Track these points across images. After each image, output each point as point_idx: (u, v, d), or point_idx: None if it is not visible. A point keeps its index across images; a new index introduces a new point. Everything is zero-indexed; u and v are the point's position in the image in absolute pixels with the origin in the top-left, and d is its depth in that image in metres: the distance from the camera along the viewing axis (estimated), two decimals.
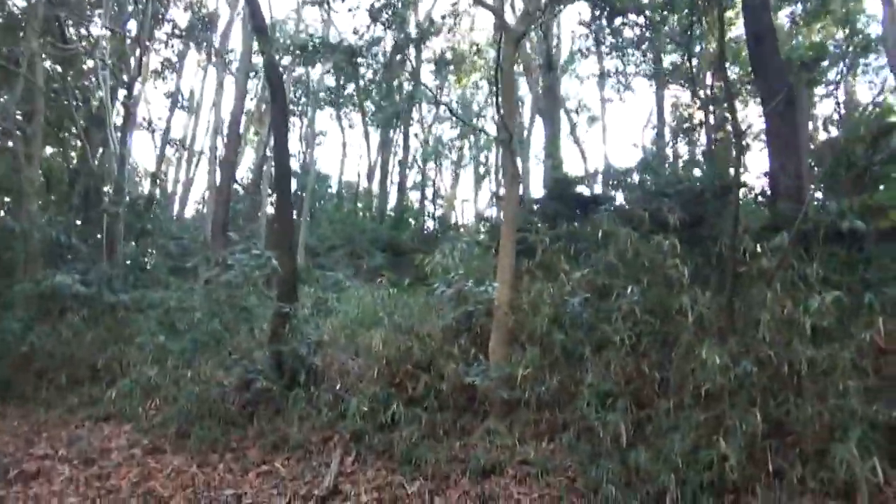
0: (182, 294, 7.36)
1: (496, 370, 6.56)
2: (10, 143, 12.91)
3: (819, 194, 9.11)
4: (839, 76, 14.97)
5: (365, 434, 6.43)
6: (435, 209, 23.34)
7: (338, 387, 7.00)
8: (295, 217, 15.86)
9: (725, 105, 10.55)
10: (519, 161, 7.86)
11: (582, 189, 9.47)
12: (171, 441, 7.13)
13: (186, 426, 7.20)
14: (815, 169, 10.02)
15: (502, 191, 10.57)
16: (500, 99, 7.93)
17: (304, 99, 24.29)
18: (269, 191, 20.58)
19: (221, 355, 7.63)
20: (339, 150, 35.27)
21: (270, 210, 19.59)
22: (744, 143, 9.25)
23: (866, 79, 17.49)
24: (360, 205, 23.69)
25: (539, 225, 7.81)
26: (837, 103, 14.68)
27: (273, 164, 21.42)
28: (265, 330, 7.94)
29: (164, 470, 6.52)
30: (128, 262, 11.38)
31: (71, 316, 9.41)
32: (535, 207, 8.81)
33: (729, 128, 13.85)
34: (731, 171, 8.47)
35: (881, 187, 8.02)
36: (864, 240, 7.39)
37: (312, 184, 19.80)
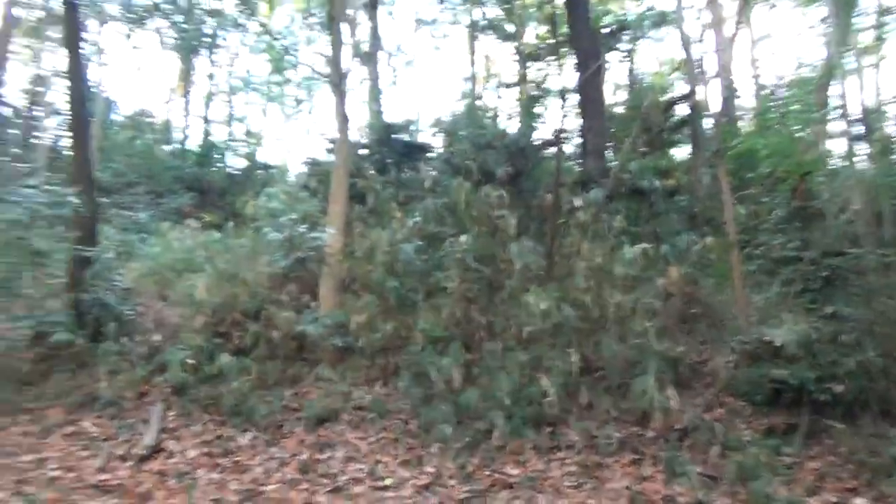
0: None
1: (328, 318, 6.50)
2: None
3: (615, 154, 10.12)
4: (633, 46, 16.48)
5: (188, 387, 6.06)
6: (246, 148, 21.92)
7: (154, 338, 6.46)
8: None
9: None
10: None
11: (407, 136, 9.49)
12: None
13: None
14: (613, 130, 11.08)
15: (331, 134, 10.28)
16: (330, 35, 7.62)
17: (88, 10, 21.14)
18: (46, 115, 17.87)
19: (9, 304, 6.62)
20: (131, 74, 31.56)
21: (49, 138, 17.07)
22: (564, 102, 10.01)
23: (655, 50, 19.52)
24: (157, 137, 21.49)
25: (370, 171, 7.75)
26: (630, 70, 16.23)
27: (52, 84, 18.62)
28: (61, 277, 7.02)
29: None
30: None
31: None
32: (363, 153, 8.70)
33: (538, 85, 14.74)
34: (552, 128, 9.12)
35: (669, 150, 9.13)
36: (654, 196, 8.38)
37: (102, 110, 17.51)
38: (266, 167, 19.75)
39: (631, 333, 5.87)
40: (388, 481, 5.04)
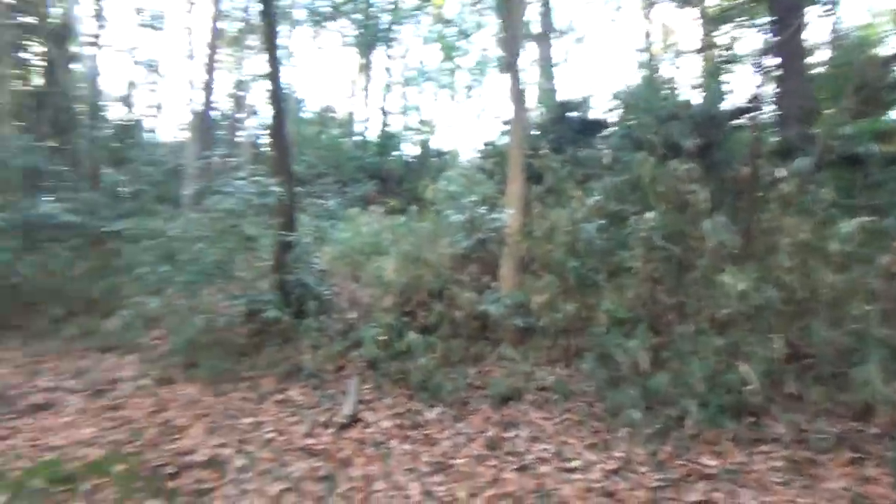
0: (184, 222, 7.10)
1: (509, 298, 6.53)
2: None
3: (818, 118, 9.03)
4: None
5: (380, 362, 6.43)
6: (421, 136, 22.80)
7: (349, 316, 6.93)
8: None
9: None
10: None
11: (582, 114, 9.23)
12: (181, 371, 7.06)
13: (194, 356, 7.12)
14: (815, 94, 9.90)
15: (507, 116, 10.32)
16: (504, 17, 7.58)
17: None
18: (247, 116, 19.89)
19: (226, 285, 7.47)
20: (316, 72, 34.11)
21: (250, 136, 19.00)
22: (762, 66, 9.08)
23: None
24: (341, 130, 23.05)
25: (545, 150, 7.64)
26: (834, 25, 14.42)
27: (250, 87, 20.63)
28: (267, 260, 7.76)
29: (178, 400, 6.48)
30: (112, 189, 10.96)
31: (59, 246, 9.10)
32: (538, 133, 8.59)
33: (727, 50, 13.60)
34: (747, 95, 8.35)
35: (890, 111, 7.97)
36: (871, 164, 7.37)
37: (293, 108, 19.15)
38: (439, 153, 20.38)
39: (846, 318, 5.23)
40: (575, 463, 4.97)
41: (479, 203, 6.83)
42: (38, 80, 17.21)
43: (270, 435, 5.84)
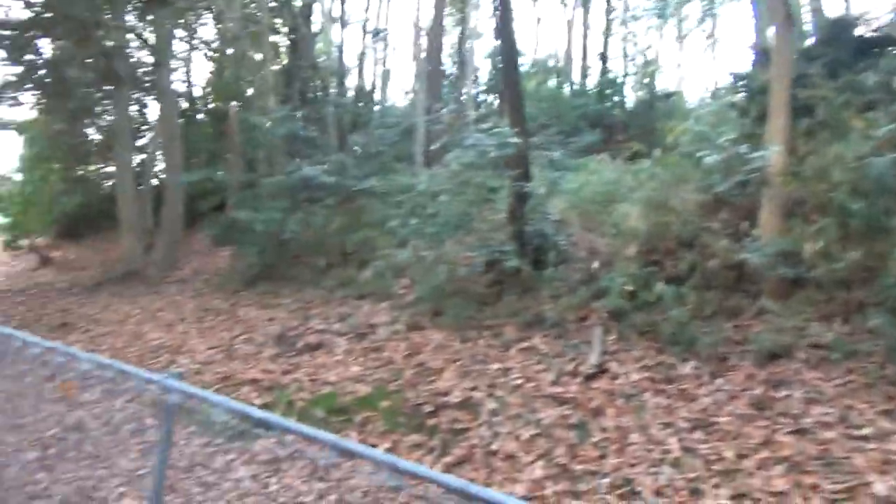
0: (429, 178, 7.46)
1: (771, 245, 5.85)
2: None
3: None
4: None
5: (625, 313, 6.19)
6: (644, 79, 21.48)
7: (594, 265, 6.76)
8: None
9: None
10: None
11: (861, 30, 7.82)
12: (428, 318, 7.49)
13: (439, 305, 7.50)
14: None
15: (762, 43, 9.20)
16: None
17: None
18: (471, 72, 20.23)
19: (466, 237, 7.73)
20: (531, 24, 33.68)
21: (474, 93, 19.35)
22: None
23: None
24: (560, 80, 22.57)
25: (816, 78, 6.64)
26: None
27: (473, 44, 20.91)
28: (503, 211, 7.85)
29: (429, 344, 6.89)
30: (356, 151, 11.90)
31: (317, 205, 10.13)
32: (804, 59, 7.47)
33: None
34: None
35: None
36: None
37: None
38: (667, 95, 19.08)
39: None
40: (866, 430, 4.36)
41: (736, 142, 6.17)
42: (285, 58, 19.23)
43: (518, 381, 5.96)
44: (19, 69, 16.29)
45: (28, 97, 17.87)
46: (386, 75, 26.13)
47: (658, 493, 4.28)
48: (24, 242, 19.61)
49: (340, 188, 9.86)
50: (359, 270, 9.19)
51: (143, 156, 19.30)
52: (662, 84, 21.97)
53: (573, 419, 5.32)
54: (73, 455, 5.87)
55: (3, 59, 15.64)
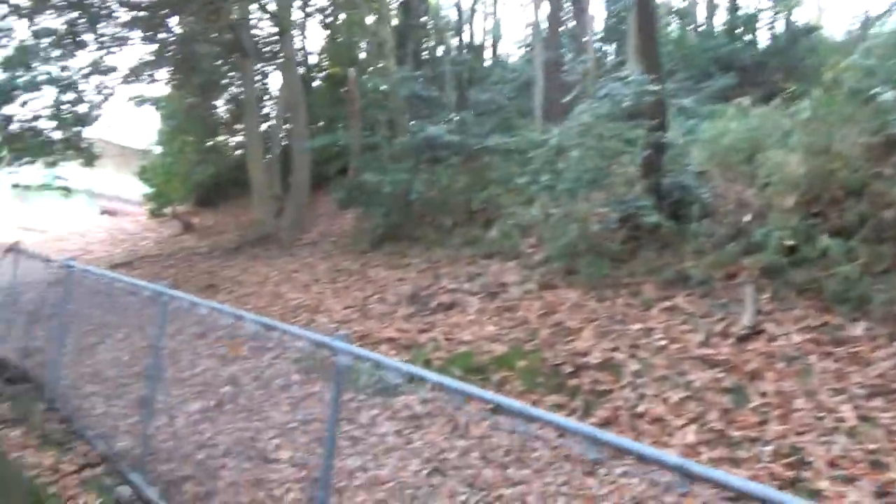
0: (562, 131, 7.17)
1: None
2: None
3: None
4: None
5: (782, 269, 5.72)
6: (781, 14, 19.58)
7: (745, 218, 6.28)
8: None
9: None
10: None
11: None
12: (560, 277, 7.31)
13: (571, 263, 7.29)
14: None
15: None
16: None
17: None
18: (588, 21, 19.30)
19: (597, 192, 7.43)
20: None
21: (593, 43, 18.46)
22: None
23: None
24: (682, 22, 21.07)
25: None
26: None
27: None
28: (639, 163, 7.44)
29: (563, 304, 6.73)
30: (476, 108, 11.72)
31: (440, 165, 10.10)
32: None
33: None
34: None
35: None
36: None
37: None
38: (808, 30, 17.29)
39: None
40: None
41: None
42: (398, 18, 19.19)
43: (662, 342, 5.69)
44: (154, 47, 17.40)
45: (163, 74, 19.10)
46: (497, 29, 25.58)
47: (832, 464, 3.95)
48: (167, 211, 21.21)
49: (463, 147, 9.75)
50: (484, 229, 9.12)
51: (269, 124, 20.10)
52: (806, 16, 19.96)
53: (726, 382, 5.01)
54: (230, 408, 6.29)
55: (140, 39, 16.74)
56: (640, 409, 5.06)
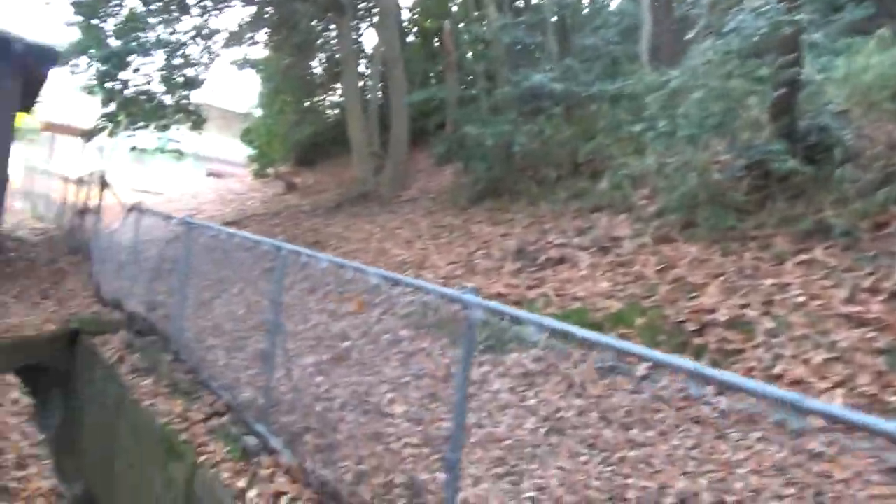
0: (685, 72, 6.61)
1: None
2: None
3: None
4: None
5: None
6: None
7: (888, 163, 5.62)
8: None
9: None
10: None
11: None
12: (677, 230, 6.88)
13: (690, 214, 6.82)
14: None
15: None
16: None
17: None
18: None
19: (721, 137, 6.86)
20: None
21: None
22: None
23: None
24: None
25: None
26: None
27: None
28: (770, 104, 6.79)
29: (683, 258, 6.32)
30: (581, 54, 11.09)
31: (545, 114, 9.67)
32: None
33: None
34: None
35: None
36: None
37: None
38: None
39: None
40: None
41: None
42: None
43: (800, 299, 5.22)
44: (253, 9, 17.72)
45: (262, 36, 19.47)
46: None
47: None
48: (270, 171, 21.88)
49: (568, 95, 9.29)
50: (591, 181, 8.71)
51: (366, 83, 20.15)
52: None
53: (880, 343, 4.53)
54: (344, 362, 6.38)
55: (241, 1, 17.08)
56: (777, 370, 4.68)
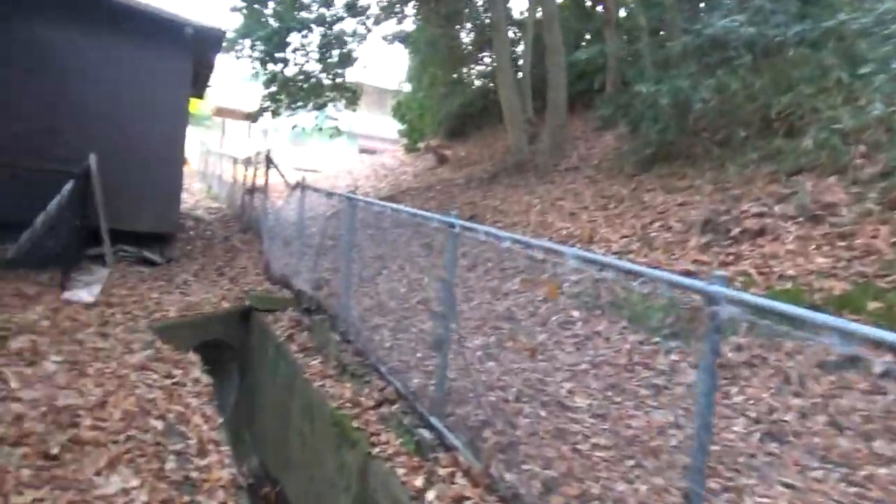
0: None
1: None
2: None
3: None
4: None
5: None
6: None
7: None
8: None
9: None
10: None
11: None
12: None
13: None
14: None
15: None
16: None
17: None
18: None
19: None
20: None
21: None
22: None
23: None
24: None
25: None
26: None
27: None
28: None
29: None
30: None
31: (729, 66, 8.50)
32: None
33: None
34: None
35: None
36: None
37: None
38: None
39: None
40: None
41: None
42: None
43: None
44: None
45: (410, 10, 19.39)
46: None
47: None
48: (421, 145, 21.97)
49: (760, 41, 8.05)
50: (788, 139, 7.52)
51: (517, 49, 19.48)
52: None
53: None
54: (511, 345, 5.96)
55: None
56: None
